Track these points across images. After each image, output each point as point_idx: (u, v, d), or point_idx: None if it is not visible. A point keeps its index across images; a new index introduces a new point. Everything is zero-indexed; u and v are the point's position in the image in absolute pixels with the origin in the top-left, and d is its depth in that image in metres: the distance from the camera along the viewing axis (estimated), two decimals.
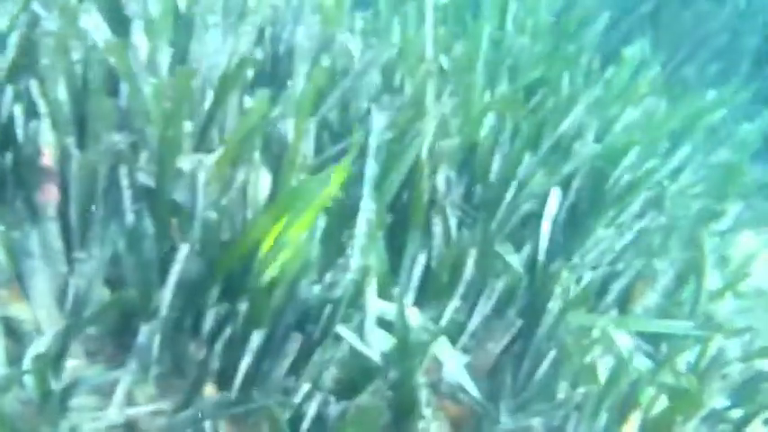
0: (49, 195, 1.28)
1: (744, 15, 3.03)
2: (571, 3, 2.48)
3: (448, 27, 1.78)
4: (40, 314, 1.16)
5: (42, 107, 1.18)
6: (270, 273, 1.13)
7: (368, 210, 1.29)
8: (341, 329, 1.19)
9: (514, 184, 1.57)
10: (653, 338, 1.70)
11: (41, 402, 1.07)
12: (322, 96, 1.42)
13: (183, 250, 1.11)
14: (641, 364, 1.48)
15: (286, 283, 1.15)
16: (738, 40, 3.02)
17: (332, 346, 1.21)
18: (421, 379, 1.29)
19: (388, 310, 1.30)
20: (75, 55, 1.24)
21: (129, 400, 1.19)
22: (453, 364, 1.38)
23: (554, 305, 1.44)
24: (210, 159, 1.22)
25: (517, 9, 2.00)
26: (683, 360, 1.57)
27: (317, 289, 1.16)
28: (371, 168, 1.28)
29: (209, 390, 1.26)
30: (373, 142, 1.29)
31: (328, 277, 1.26)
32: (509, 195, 1.55)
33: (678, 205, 1.80)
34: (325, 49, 1.54)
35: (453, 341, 1.44)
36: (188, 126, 1.28)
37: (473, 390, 1.41)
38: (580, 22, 2.20)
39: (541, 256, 1.50)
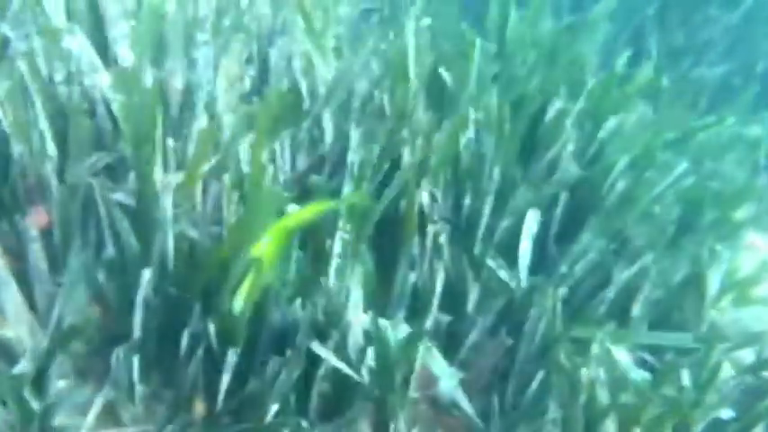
0: (39, 219, 1.29)
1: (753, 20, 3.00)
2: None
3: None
4: (21, 334, 1.16)
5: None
6: (240, 295, 1.12)
7: (343, 231, 1.27)
8: (316, 347, 1.18)
9: (490, 199, 1.54)
10: (654, 347, 1.66)
11: (23, 423, 1.08)
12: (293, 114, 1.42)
13: (146, 275, 1.11)
14: (640, 376, 1.44)
15: (255, 304, 1.14)
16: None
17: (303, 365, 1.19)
18: (402, 396, 1.28)
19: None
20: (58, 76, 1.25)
21: (114, 421, 1.20)
22: (446, 380, 1.36)
23: (543, 320, 1.41)
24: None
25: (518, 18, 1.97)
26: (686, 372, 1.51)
27: (293, 309, 1.15)
28: (348, 187, 1.27)
29: (198, 406, 1.27)
30: (352, 158, 1.28)
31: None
32: (487, 211, 1.53)
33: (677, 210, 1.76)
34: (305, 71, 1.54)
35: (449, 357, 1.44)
36: (170, 143, 1.28)
37: (467, 406, 1.39)
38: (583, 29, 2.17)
39: (523, 274, 1.49)
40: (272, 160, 1.38)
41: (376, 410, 1.27)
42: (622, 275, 1.61)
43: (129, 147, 1.21)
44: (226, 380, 1.17)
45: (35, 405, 1.10)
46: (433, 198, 1.42)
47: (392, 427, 1.22)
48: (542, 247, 1.64)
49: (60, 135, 1.25)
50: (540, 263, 1.62)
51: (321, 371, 1.23)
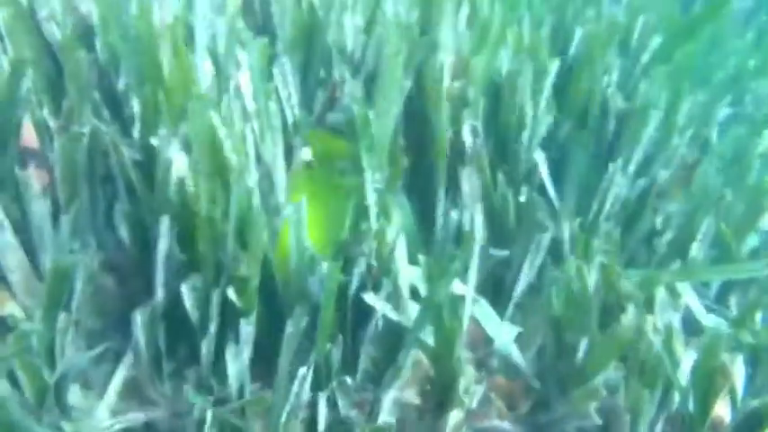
0: (38, 180, 1.21)
1: None
2: None
3: None
4: (30, 306, 1.09)
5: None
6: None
7: (373, 181, 1.22)
8: (371, 298, 1.12)
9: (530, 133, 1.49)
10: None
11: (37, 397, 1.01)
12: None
13: (165, 222, 1.04)
14: (714, 323, 1.40)
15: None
16: None
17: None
18: (462, 351, 1.23)
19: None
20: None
21: (139, 401, 1.15)
22: (502, 334, 1.30)
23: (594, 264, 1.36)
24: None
25: None
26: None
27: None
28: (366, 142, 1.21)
29: None
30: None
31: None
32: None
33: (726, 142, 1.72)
34: None
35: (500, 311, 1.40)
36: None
37: (525, 366, 1.34)
38: None
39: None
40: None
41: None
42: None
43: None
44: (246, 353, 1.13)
45: (47, 376, 1.03)
46: (474, 133, 1.35)
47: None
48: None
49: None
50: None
51: (371, 327, 1.16)
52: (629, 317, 1.28)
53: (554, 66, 1.51)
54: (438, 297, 1.15)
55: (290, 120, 1.31)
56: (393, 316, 1.16)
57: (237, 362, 1.15)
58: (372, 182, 1.20)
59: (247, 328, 1.16)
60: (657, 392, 1.26)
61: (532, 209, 1.42)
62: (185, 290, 1.13)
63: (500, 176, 1.41)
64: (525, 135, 1.49)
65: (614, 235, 1.43)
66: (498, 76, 1.44)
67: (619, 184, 1.55)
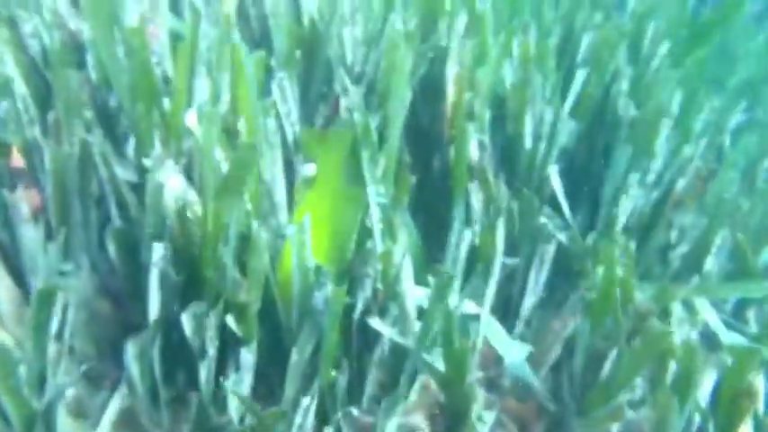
0: (28, 202, 1.18)
1: None
2: None
3: None
4: (19, 336, 1.05)
5: None
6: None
7: (377, 194, 1.18)
8: (377, 324, 1.08)
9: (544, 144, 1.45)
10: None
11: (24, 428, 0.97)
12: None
13: (158, 250, 1.01)
14: (734, 341, 1.36)
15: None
16: None
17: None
18: (475, 374, 1.19)
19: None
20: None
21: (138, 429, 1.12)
22: (514, 355, 1.26)
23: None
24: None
25: None
26: None
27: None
28: (366, 153, 1.17)
29: None
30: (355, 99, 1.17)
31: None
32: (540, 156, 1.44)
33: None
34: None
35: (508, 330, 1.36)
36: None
37: (537, 385, 1.30)
38: None
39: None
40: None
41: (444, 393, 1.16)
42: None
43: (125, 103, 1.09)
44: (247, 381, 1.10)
45: (36, 404, 1.00)
46: (482, 147, 1.32)
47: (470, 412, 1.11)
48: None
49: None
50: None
51: (378, 353, 1.12)
52: (658, 326, 1.25)
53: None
54: (448, 319, 1.11)
55: (290, 137, 1.27)
56: (400, 340, 1.12)
57: (238, 392, 1.12)
58: (377, 196, 1.17)
59: (248, 357, 1.13)
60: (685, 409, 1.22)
61: (533, 216, 1.38)
62: (185, 318, 1.09)
63: (503, 188, 1.37)
64: (536, 146, 1.45)
65: (630, 247, 1.39)
66: (503, 87, 1.41)
67: (634, 196, 1.51)
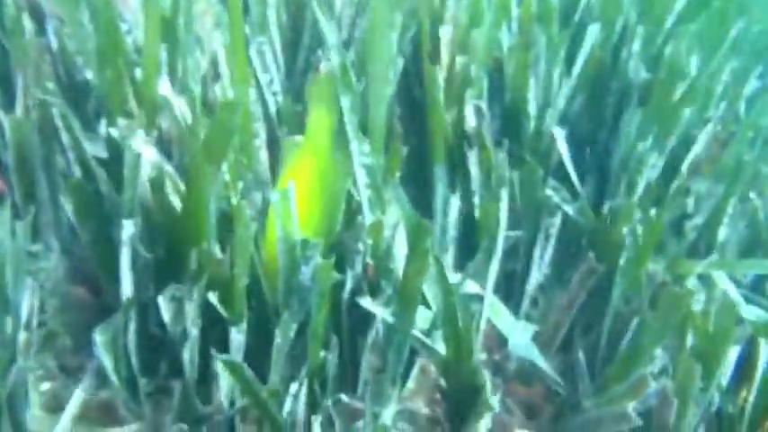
0: None
1: None
2: None
3: None
4: None
5: None
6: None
7: (361, 153, 1.10)
8: (365, 301, 1.02)
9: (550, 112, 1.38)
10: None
11: None
12: None
13: (128, 228, 0.94)
14: (756, 316, 1.29)
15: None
16: None
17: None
18: (480, 356, 1.12)
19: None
20: None
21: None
22: (518, 335, 1.20)
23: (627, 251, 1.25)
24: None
25: None
26: None
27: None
28: (346, 96, 1.10)
29: None
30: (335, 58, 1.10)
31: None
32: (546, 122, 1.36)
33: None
34: None
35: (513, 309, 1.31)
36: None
37: (545, 366, 1.23)
38: None
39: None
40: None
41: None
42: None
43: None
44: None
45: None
46: (479, 112, 1.24)
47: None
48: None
49: None
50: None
51: (371, 335, 1.06)
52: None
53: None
54: (448, 297, 1.04)
55: (272, 108, 1.20)
56: (392, 320, 1.05)
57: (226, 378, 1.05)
58: (361, 155, 1.10)
59: (238, 337, 1.06)
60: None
61: (537, 187, 1.31)
62: (162, 300, 1.03)
63: (502, 156, 1.30)
64: (541, 112, 1.38)
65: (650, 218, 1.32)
66: (501, 49, 1.33)
67: (652, 164, 1.43)
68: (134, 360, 1.05)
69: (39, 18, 1.10)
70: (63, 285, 1.14)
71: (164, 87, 1.05)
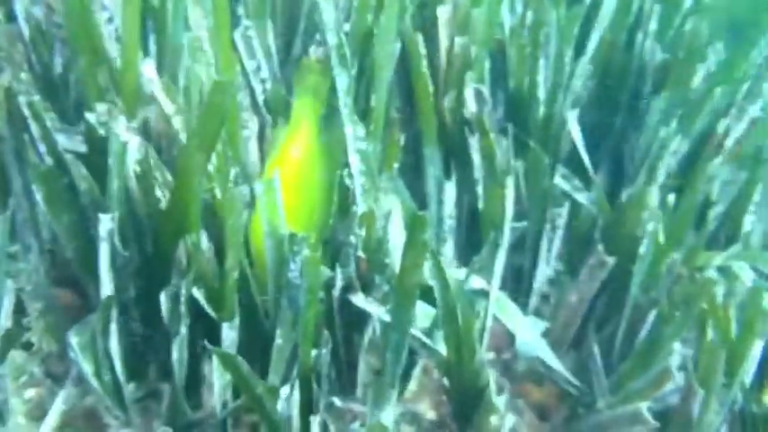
0: None
1: None
2: None
3: None
4: None
5: None
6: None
7: (355, 136, 1.05)
8: (357, 299, 0.96)
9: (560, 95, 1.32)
10: None
11: None
12: None
13: (106, 223, 0.89)
14: None
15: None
16: None
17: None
18: (484, 356, 1.06)
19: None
20: None
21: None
22: (527, 332, 1.14)
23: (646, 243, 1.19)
24: None
25: None
26: None
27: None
28: (341, 78, 1.04)
29: None
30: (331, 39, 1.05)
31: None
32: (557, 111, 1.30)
33: None
34: None
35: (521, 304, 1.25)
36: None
37: (556, 364, 1.16)
38: None
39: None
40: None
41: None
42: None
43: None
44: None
45: None
46: (479, 96, 1.18)
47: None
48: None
49: None
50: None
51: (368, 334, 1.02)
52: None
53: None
54: (448, 296, 0.99)
55: (259, 97, 1.15)
56: (388, 319, 1.00)
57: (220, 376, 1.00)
58: (356, 140, 1.04)
59: (230, 334, 1.01)
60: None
61: (542, 175, 1.25)
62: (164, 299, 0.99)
63: (506, 143, 1.24)
64: (552, 96, 1.31)
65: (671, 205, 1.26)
66: (503, 30, 1.27)
67: (675, 150, 1.36)
68: (117, 363, 1.00)
69: (6, 2, 1.06)
70: (45, 287, 1.11)
71: (148, 70, 1.00)
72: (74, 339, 0.95)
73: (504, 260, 1.19)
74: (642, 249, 1.21)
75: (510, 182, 1.13)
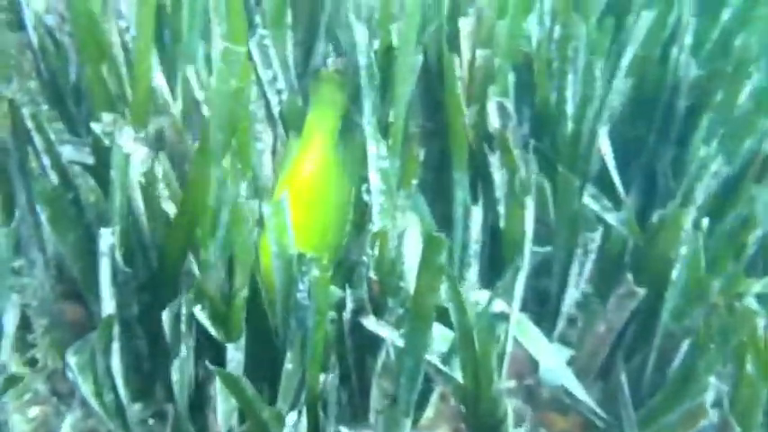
0: None
1: None
2: None
3: None
4: None
5: None
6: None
7: (377, 155, 1.02)
8: (368, 321, 0.92)
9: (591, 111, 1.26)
10: None
11: None
12: None
13: (106, 237, 0.86)
14: None
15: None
16: None
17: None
18: (503, 384, 1.01)
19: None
20: None
21: None
22: (552, 359, 1.09)
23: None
24: None
25: None
26: None
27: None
28: (369, 98, 1.01)
29: None
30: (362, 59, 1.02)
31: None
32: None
33: None
34: None
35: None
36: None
37: (582, 394, 1.11)
38: None
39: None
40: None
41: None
42: None
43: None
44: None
45: None
46: (503, 111, 1.14)
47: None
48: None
49: None
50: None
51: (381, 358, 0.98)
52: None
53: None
54: (465, 321, 0.94)
55: (275, 108, 1.12)
56: (401, 343, 0.95)
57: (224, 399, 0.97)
58: (378, 159, 1.00)
59: (236, 354, 0.97)
60: None
61: (572, 196, 1.20)
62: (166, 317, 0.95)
63: (530, 160, 1.19)
64: (582, 112, 1.26)
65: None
66: (529, 43, 1.23)
67: (714, 171, 1.30)
68: (120, 382, 0.97)
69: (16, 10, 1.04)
70: (50, 302, 1.08)
71: (158, 79, 0.98)
72: (72, 359, 0.92)
73: (529, 283, 1.15)
74: (675, 274, 1.15)
75: (530, 202, 1.08)
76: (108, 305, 0.93)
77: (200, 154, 0.91)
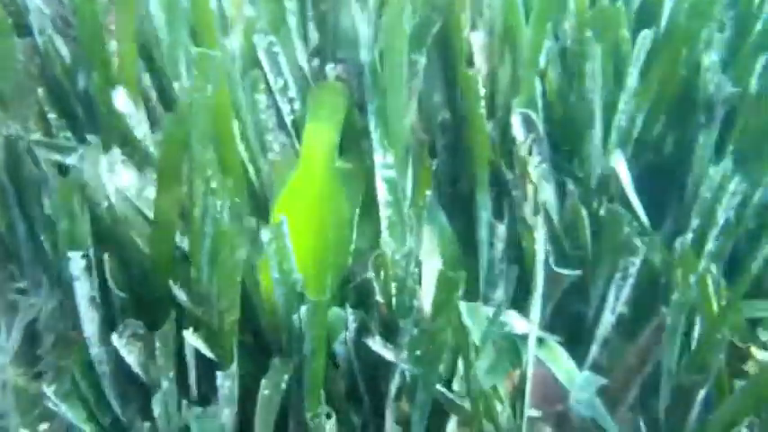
0: None
1: None
2: None
3: None
4: None
5: None
6: None
7: (383, 164, 0.97)
8: (374, 343, 0.89)
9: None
10: None
11: None
12: None
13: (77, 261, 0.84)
14: None
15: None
16: None
17: None
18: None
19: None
20: None
21: None
22: (583, 389, 1.06)
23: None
24: None
25: None
26: None
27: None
28: (374, 100, 0.98)
29: None
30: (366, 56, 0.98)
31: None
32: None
33: None
34: None
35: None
36: None
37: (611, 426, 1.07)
38: None
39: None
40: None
41: None
42: None
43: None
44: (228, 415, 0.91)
45: None
46: (527, 123, 1.09)
47: None
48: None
49: None
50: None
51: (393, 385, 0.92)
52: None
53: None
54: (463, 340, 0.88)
55: (287, 117, 1.07)
56: (413, 369, 0.90)
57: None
58: (384, 168, 0.95)
59: (226, 383, 0.92)
60: None
61: (617, 224, 1.14)
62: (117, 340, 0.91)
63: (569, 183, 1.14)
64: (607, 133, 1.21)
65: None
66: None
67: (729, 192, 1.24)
68: (113, 402, 0.92)
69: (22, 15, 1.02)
70: (56, 321, 1.05)
71: (120, 101, 0.94)
72: (49, 389, 0.89)
73: (544, 305, 1.09)
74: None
75: (539, 220, 1.03)
76: (89, 328, 0.90)
77: (163, 170, 0.87)
